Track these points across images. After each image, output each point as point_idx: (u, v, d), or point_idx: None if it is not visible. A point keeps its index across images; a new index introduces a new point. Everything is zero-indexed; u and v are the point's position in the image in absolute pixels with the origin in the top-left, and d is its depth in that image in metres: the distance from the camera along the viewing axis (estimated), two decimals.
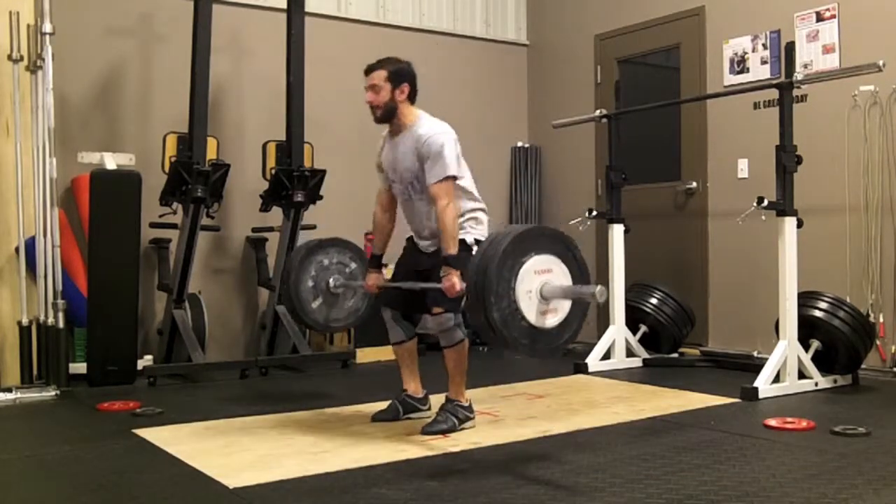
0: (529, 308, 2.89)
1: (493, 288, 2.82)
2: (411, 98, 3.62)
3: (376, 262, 3.80)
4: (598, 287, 2.87)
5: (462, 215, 3.59)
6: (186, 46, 5.09)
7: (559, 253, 2.99)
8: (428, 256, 3.66)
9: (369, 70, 3.64)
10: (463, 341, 3.60)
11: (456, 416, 3.61)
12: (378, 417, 3.82)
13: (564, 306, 2.97)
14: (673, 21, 6.12)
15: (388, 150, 3.69)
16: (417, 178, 3.54)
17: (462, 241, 3.54)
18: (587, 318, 3.07)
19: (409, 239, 3.80)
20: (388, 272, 4.01)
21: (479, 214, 3.69)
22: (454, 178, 3.48)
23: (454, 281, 3.32)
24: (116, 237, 4.76)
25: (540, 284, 2.91)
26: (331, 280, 4.00)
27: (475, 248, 3.60)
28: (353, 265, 4.07)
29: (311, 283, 3.98)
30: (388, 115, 3.60)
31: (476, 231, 3.65)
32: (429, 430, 3.56)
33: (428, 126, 3.54)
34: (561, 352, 2.97)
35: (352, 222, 5.50)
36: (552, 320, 2.95)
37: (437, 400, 3.76)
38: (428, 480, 2.87)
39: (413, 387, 3.87)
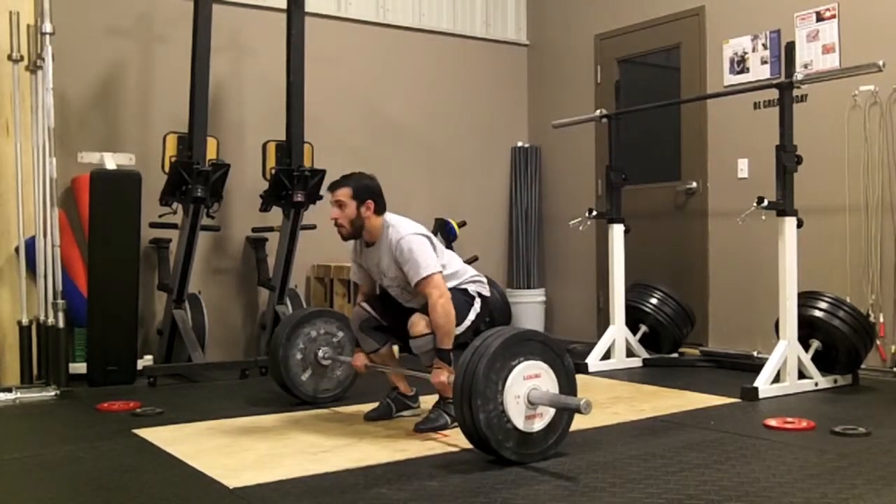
0: (517, 412, 2.99)
1: (481, 392, 2.92)
2: (378, 211, 3.63)
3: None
4: (584, 400, 2.94)
5: (462, 282, 3.68)
6: (186, 46, 5.09)
7: (548, 359, 3.09)
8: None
9: (333, 187, 3.65)
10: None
11: (449, 414, 3.62)
12: (371, 416, 3.84)
13: (550, 410, 3.07)
14: (673, 21, 6.12)
15: (368, 260, 3.73)
16: (407, 283, 3.58)
17: (465, 290, 3.66)
18: (574, 411, 3.10)
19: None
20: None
21: (478, 278, 3.77)
22: (438, 272, 3.50)
23: (442, 379, 3.40)
24: (116, 237, 4.76)
25: (528, 390, 3.01)
26: (319, 352, 4.12)
27: (478, 301, 3.72)
28: (341, 334, 4.18)
29: (299, 356, 4.10)
30: (355, 233, 3.64)
31: (477, 287, 3.74)
32: (422, 428, 3.57)
33: (394, 231, 3.57)
34: (544, 456, 3.03)
35: None
36: (538, 424, 3.04)
37: (429, 400, 3.76)
38: (428, 480, 2.87)
39: (402, 385, 3.90)
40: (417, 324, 3.51)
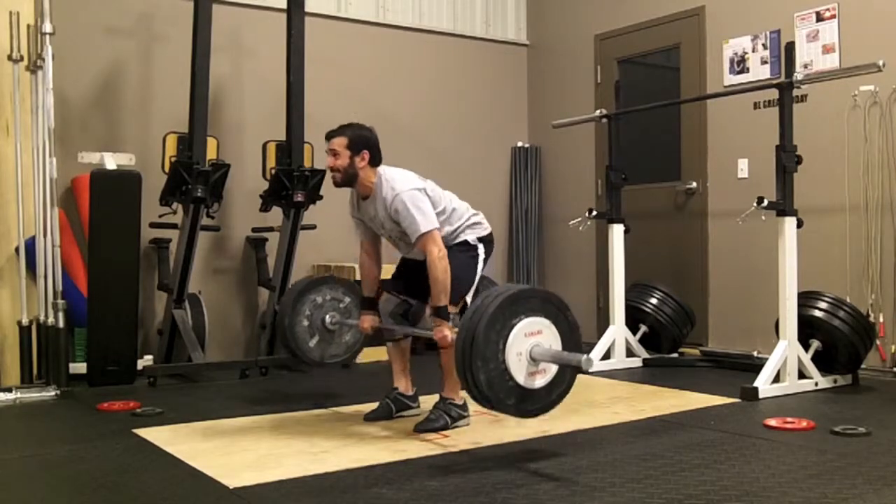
0: (518, 369, 2.92)
1: (481, 352, 2.87)
2: (373, 163, 3.63)
3: (369, 304, 3.85)
4: (585, 357, 2.90)
5: (459, 230, 3.68)
6: (186, 46, 5.09)
7: (550, 314, 3.02)
8: (418, 268, 3.68)
9: (330, 136, 3.66)
10: None
11: (449, 415, 3.62)
12: (371, 416, 3.84)
13: (553, 367, 3.01)
14: (673, 21, 6.12)
15: (364, 212, 3.73)
16: (404, 233, 3.59)
17: (464, 242, 3.66)
18: (576, 375, 3.09)
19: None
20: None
21: (475, 218, 3.75)
22: (435, 228, 3.51)
23: (445, 333, 3.40)
24: (116, 237, 4.76)
25: (530, 346, 2.94)
26: (327, 317, 4.09)
27: (480, 247, 3.71)
28: (347, 299, 4.15)
29: (306, 323, 4.07)
30: (348, 181, 3.63)
31: (476, 231, 3.73)
32: (422, 428, 3.57)
33: (393, 185, 3.56)
34: (546, 411, 3.01)
35: (352, 223, 5.49)
36: (540, 381, 2.98)
37: (430, 400, 3.76)
38: (428, 480, 2.87)
39: (403, 385, 3.90)
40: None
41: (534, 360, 2.95)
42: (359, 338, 4.18)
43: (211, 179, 5.02)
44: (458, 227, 3.70)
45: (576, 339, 3.07)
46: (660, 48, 6.31)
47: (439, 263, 3.44)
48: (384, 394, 3.91)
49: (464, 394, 3.71)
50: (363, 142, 3.60)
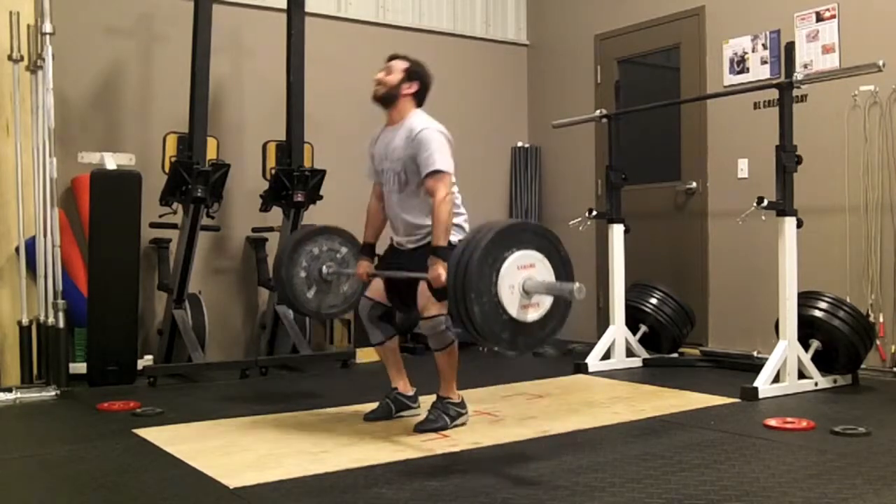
0: (511, 302, 2.87)
1: (474, 284, 2.81)
2: (417, 98, 3.69)
3: (368, 251, 3.85)
4: (578, 284, 2.86)
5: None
6: (186, 46, 5.09)
7: (543, 248, 2.97)
8: (408, 256, 3.67)
9: (393, 57, 3.75)
10: (453, 343, 3.61)
11: (447, 414, 3.62)
12: (371, 416, 3.83)
13: (546, 301, 2.96)
14: (673, 21, 6.12)
15: (381, 143, 3.74)
16: (406, 168, 3.58)
17: (448, 243, 3.58)
18: (570, 308, 3.05)
19: (391, 241, 3.84)
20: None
21: (459, 220, 3.69)
22: (449, 173, 3.51)
23: (440, 272, 3.33)
24: (116, 237, 4.76)
25: (522, 279, 2.89)
26: (323, 268, 4.01)
27: None
28: (344, 249, 4.08)
29: (303, 274, 3.99)
30: (387, 99, 3.67)
31: (458, 233, 3.65)
32: (421, 429, 3.58)
33: (425, 121, 3.60)
34: (542, 345, 2.96)
35: (352, 222, 5.47)
36: (533, 314, 2.93)
37: (431, 400, 3.75)
38: (428, 480, 2.87)
39: (402, 385, 3.89)
40: (427, 307, 3.51)
41: (526, 293, 2.90)
42: (357, 288, 4.10)
43: (211, 179, 5.02)
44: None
45: (568, 273, 3.03)
46: (660, 48, 6.31)
47: (444, 205, 3.44)
48: (384, 394, 3.91)
49: (469, 394, 3.73)
50: (418, 76, 3.69)
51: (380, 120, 3.86)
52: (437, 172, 3.47)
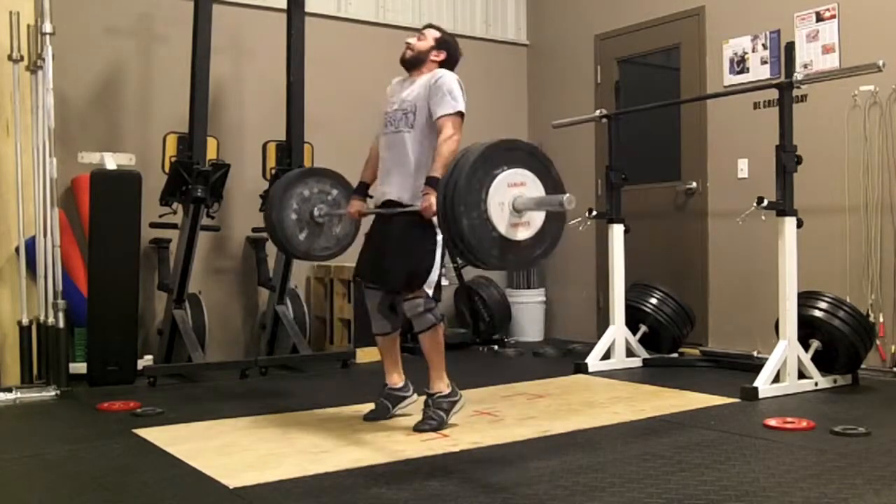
0: (500, 219, 2.85)
1: (463, 197, 2.79)
2: (442, 65, 3.77)
3: (362, 189, 3.89)
4: (567, 195, 2.84)
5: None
6: (186, 46, 5.09)
7: (534, 167, 2.95)
8: (394, 223, 3.64)
9: (428, 26, 3.88)
10: (435, 325, 3.61)
11: (441, 409, 3.62)
12: (370, 417, 3.83)
13: (537, 220, 2.94)
14: (673, 21, 6.12)
15: (398, 86, 3.82)
16: (417, 108, 3.63)
17: (431, 226, 3.53)
18: (563, 230, 3.05)
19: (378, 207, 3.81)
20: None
21: None
22: (463, 116, 3.60)
23: (432, 201, 3.33)
24: (116, 237, 4.76)
25: (512, 197, 2.87)
26: (315, 210, 4.00)
27: (438, 236, 3.56)
28: (335, 191, 4.07)
29: (294, 217, 3.97)
30: (414, 62, 3.77)
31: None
32: (420, 428, 3.58)
33: (442, 72, 3.68)
34: (531, 265, 2.95)
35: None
36: (524, 233, 2.91)
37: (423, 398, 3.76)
38: (428, 480, 2.87)
39: (394, 378, 3.88)
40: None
41: (517, 212, 2.88)
42: (349, 230, 4.10)
43: (211, 179, 5.02)
44: None
45: (559, 192, 2.99)
46: (660, 48, 6.31)
47: (450, 142, 3.50)
48: (378, 394, 3.89)
49: (469, 394, 3.72)
50: (448, 47, 3.79)
51: (380, 120, 3.85)
52: (453, 114, 3.55)
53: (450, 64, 3.78)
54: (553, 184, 2.99)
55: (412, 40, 3.78)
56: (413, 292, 3.56)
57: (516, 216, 2.88)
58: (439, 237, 3.57)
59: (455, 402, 3.69)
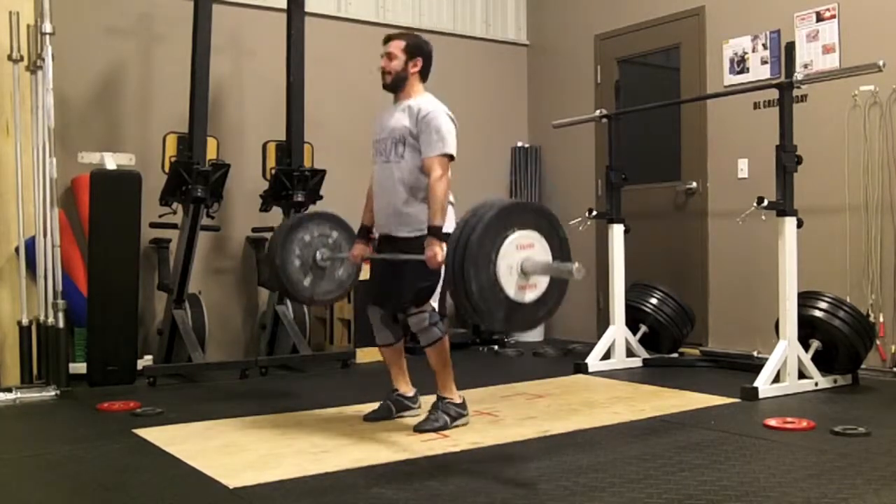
0: (509, 282, 2.86)
1: (474, 259, 2.80)
2: (423, 74, 3.72)
3: (364, 233, 3.86)
4: (577, 264, 2.85)
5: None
6: (186, 46, 5.09)
7: (542, 229, 2.97)
8: (406, 244, 3.63)
9: (388, 39, 3.74)
10: (441, 339, 3.61)
11: (448, 414, 3.62)
12: (371, 417, 3.83)
13: (543, 282, 2.95)
14: (673, 21, 6.12)
15: (386, 115, 3.76)
16: (405, 140, 3.58)
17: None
18: (567, 289, 3.05)
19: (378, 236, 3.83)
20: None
21: (449, 209, 3.63)
22: (452, 157, 3.54)
23: (436, 251, 3.35)
24: (116, 237, 4.76)
25: (521, 259, 2.89)
26: (317, 254, 4.00)
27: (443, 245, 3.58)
28: (335, 233, 4.06)
29: (297, 263, 3.97)
30: (397, 84, 3.69)
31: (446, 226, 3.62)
32: (421, 429, 3.57)
33: (433, 102, 3.63)
34: (536, 326, 2.97)
35: (352, 222, 5.50)
36: (531, 295, 2.92)
37: (431, 400, 3.75)
38: (428, 480, 2.87)
39: (403, 386, 3.89)
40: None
41: (524, 274, 2.90)
42: (352, 272, 4.10)
43: (211, 179, 5.02)
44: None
45: (566, 254, 3.02)
46: (660, 48, 6.31)
47: (440, 183, 3.46)
48: (384, 394, 3.91)
49: (469, 394, 3.72)
50: (419, 50, 3.70)
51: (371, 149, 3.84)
52: (440, 156, 3.50)
53: (427, 66, 3.72)
54: (559, 243, 3.01)
55: (384, 63, 3.69)
56: (419, 307, 3.56)
57: (524, 279, 2.91)
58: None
59: (462, 415, 3.69)
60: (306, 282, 3.99)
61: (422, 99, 3.65)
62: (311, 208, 5.49)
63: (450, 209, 3.66)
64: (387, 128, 3.68)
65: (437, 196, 3.45)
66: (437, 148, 3.51)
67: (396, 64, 3.66)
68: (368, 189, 3.88)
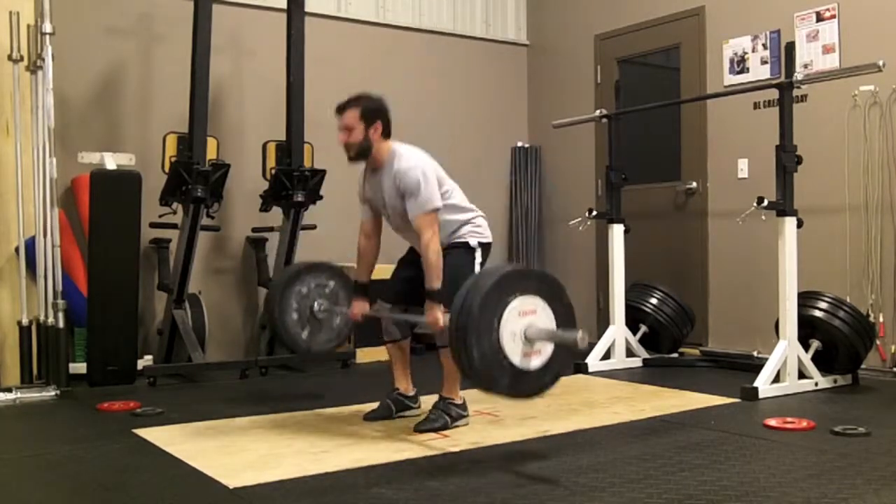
0: (513, 349, 2.88)
1: (476, 326, 2.82)
2: (385, 134, 3.61)
3: (361, 290, 3.84)
4: (581, 333, 2.88)
5: (462, 225, 3.67)
6: (186, 46, 5.09)
7: (545, 295, 2.98)
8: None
9: (341, 109, 3.61)
10: None
11: (449, 414, 3.62)
12: (371, 416, 3.84)
13: (547, 348, 2.96)
14: (673, 21, 6.12)
15: (371, 187, 3.72)
16: (399, 208, 3.59)
17: (465, 244, 3.65)
18: (571, 356, 3.09)
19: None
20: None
21: (478, 220, 3.76)
22: (436, 209, 3.51)
23: (437, 316, 3.38)
24: (116, 237, 4.76)
25: (524, 326, 2.90)
26: (315, 305, 4.06)
27: (478, 252, 3.69)
28: (332, 282, 4.11)
29: (295, 316, 4.03)
30: (362, 155, 3.61)
31: (478, 235, 3.73)
32: (422, 428, 3.57)
33: (404, 160, 3.55)
34: (541, 393, 2.99)
35: (352, 223, 5.47)
36: (535, 362, 2.94)
37: (431, 400, 3.75)
38: (428, 480, 2.87)
39: (404, 385, 3.90)
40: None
41: (528, 341, 2.90)
42: (348, 321, 4.12)
43: (211, 179, 5.02)
44: (464, 222, 3.68)
45: (570, 321, 3.03)
46: (660, 48, 6.31)
47: (431, 246, 3.43)
48: (384, 394, 3.91)
49: (468, 394, 3.72)
50: (375, 113, 3.58)
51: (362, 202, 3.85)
52: (422, 215, 3.47)
53: (388, 124, 3.60)
54: (564, 310, 3.02)
55: (342, 138, 3.58)
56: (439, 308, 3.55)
57: (528, 345, 2.91)
58: (478, 259, 3.66)
59: (462, 416, 3.69)
60: (304, 334, 4.06)
61: (394, 159, 3.57)
62: (312, 208, 5.50)
63: (481, 219, 3.74)
64: (385, 202, 3.64)
65: (431, 259, 3.44)
66: (419, 208, 3.48)
67: (356, 135, 3.56)
68: (359, 244, 3.86)
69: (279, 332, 4.03)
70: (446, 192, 3.63)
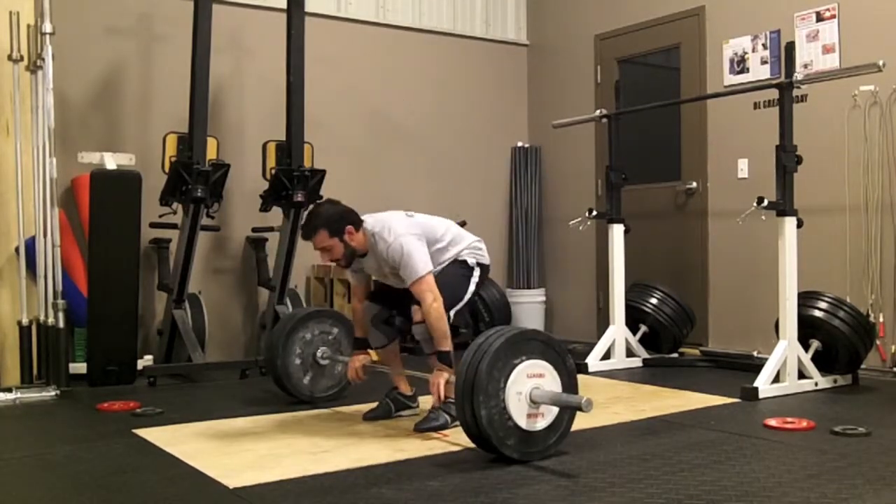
0: (518, 410, 3.00)
1: (483, 387, 2.93)
2: (357, 227, 3.61)
3: (362, 345, 3.89)
4: (585, 399, 2.96)
5: (462, 250, 3.75)
6: (186, 46, 5.09)
7: (551, 359, 3.10)
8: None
9: (307, 236, 3.61)
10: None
11: (448, 413, 3.62)
12: (370, 416, 3.84)
13: (552, 410, 3.08)
14: (673, 21, 6.12)
15: (364, 264, 3.75)
16: (398, 276, 3.63)
17: (463, 262, 3.73)
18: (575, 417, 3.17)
19: None
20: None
21: (476, 244, 3.83)
22: (429, 272, 3.54)
23: (439, 381, 3.43)
24: (116, 237, 4.76)
25: (530, 388, 3.02)
26: (318, 352, 4.17)
27: (476, 270, 3.77)
28: (336, 330, 4.22)
29: (298, 361, 4.14)
30: (351, 259, 3.66)
31: (477, 256, 3.80)
32: (421, 428, 3.58)
33: (382, 241, 3.57)
34: (547, 455, 3.07)
35: None
36: (540, 423, 3.06)
37: (430, 400, 3.75)
38: (428, 480, 2.87)
39: (402, 385, 3.91)
40: (418, 312, 3.55)
41: (533, 402, 3.02)
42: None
43: (211, 179, 5.02)
44: (464, 248, 3.76)
45: (573, 384, 3.16)
46: (660, 48, 6.31)
47: (434, 311, 3.46)
48: (383, 393, 3.91)
49: None
50: (339, 221, 3.57)
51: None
52: (416, 281, 3.50)
53: (356, 220, 3.59)
54: (568, 373, 3.15)
55: (326, 259, 3.63)
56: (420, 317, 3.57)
57: (533, 407, 3.03)
58: (475, 277, 3.73)
59: None
60: (306, 380, 4.18)
61: (376, 242, 3.59)
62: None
63: (479, 243, 3.83)
64: (386, 273, 3.68)
65: (436, 324, 3.46)
66: (413, 274, 3.50)
67: (337, 251, 3.58)
68: (353, 308, 3.91)
69: (282, 379, 4.13)
70: (441, 237, 3.70)
